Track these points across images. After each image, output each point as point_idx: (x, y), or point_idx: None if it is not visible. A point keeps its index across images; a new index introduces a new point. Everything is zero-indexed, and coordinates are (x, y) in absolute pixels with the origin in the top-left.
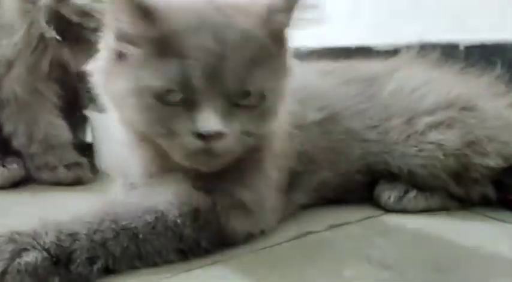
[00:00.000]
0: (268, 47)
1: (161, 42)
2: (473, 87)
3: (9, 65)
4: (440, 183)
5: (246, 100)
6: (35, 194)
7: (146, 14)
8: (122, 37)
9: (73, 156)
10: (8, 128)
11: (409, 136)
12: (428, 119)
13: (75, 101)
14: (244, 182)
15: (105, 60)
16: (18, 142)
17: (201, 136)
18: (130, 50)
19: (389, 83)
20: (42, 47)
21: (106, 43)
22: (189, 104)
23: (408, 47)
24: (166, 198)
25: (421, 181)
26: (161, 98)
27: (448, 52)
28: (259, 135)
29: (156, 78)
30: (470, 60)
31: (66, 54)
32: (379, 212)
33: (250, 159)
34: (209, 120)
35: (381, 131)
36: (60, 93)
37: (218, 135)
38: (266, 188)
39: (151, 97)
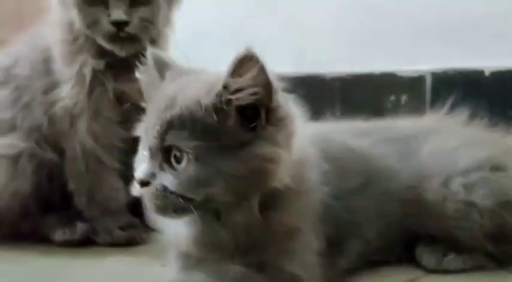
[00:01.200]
0: (197, 117)
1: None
2: (501, 146)
3: (72, 119)
4: (478, 244)
5: (173, 159)
6: (91, 254)
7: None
8: None
9: (127, 217)
10: (71, 185)
11: (445, 197)
12: (462, 181)
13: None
14: (291, 254)
15: None
16: (79, 202)
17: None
18: None
19: (425, 144)
20: (99, 88)
21: None
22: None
23: (432, 74)
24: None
25: (460, 242)
26: None
27: (473, 78)
28: (190, 200)
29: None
30: (496, 86)
31: (123, 86)
32: (420, 273)
33: (287, 230)
34: (141, 168)
35: (418, 192)
36: (126, 139)
37: (143, 183)
38: (311, 256)
39: None
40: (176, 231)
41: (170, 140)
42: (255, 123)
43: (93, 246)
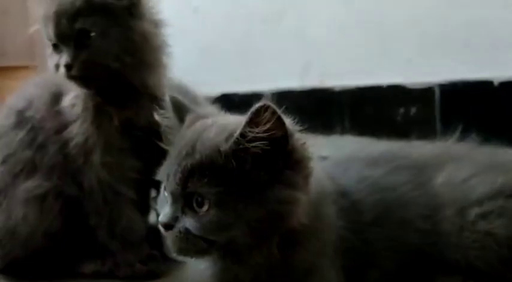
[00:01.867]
0: (217, 163)
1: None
2: None
3: (86, 154)
4: (497, 272)
5: (195, 203)
6: None
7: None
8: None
9: (147, 249)
10: (91, 220)
11: (462, 227)
12: (478, 210)
13: (148, 182)
14: None
15: None
16: (100, 236)
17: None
18: None
19: (439, 173)
20: (106, 121)
21: None
22: None
23: (441, 85)
24: None
25: (478, 272)
26: None
27: (483, 89)
28: (213, 243)
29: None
30: (506, 96)
31: (127, 114)
32: None
33: (307, 268)
34: (164, 212)
35: (434, 222)
36: (139, 169)
37: (166, 226)
38: None
39: None
40: (197, 269)
41: (192, 187)
42: (272, 169)
43: (114, 279)
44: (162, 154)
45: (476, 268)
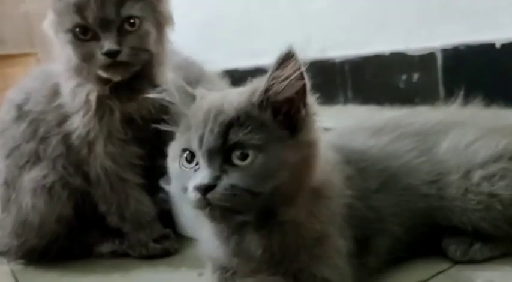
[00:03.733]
0: (251, 112)
1: (188, 118)
2: None
3: (89, 144)
4: (503, 233)
5: (237, 158)
6: (128, 266)
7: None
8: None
9: (160, 229)
10: (101, 208)
11: (466, 190)
12: (482, 172)
13: (153, 167)
14: (322, 260)
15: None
16: (111, 221)
17: (197, 189)
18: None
19: (442, 139)
20: (108, 112)
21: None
22: (196, 164)
23: (443, 50)
24: None
25: (485, 233)
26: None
27: (485, 52)
28: (258, 194)
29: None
30: (508, 58)
31: (128, 106)
32: (448, 264)
33: (317, 236)
34: (201, 175)
35: (439, 186)
36: (142, 156)
37: (208, 188)
38: (341, 259)
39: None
40: (212, 245)
41: (234, 137)
42: (298, 116)
43: (130, 258)
44: (163, 140)
45: (482, 230)
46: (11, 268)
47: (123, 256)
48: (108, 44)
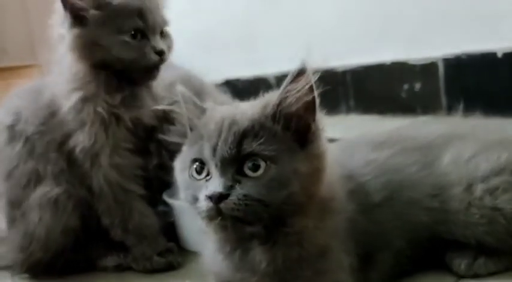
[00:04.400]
0: (265, 123)
1: (199, 129)
2: None
3: (92, 157)
4: (507, 247)
5: (248, 169)
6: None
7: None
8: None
9: (163, 243)
10: (104, 221)
11: (469, 204)
12: (484, 186)
13: (155, 178)
14: (324, 274)
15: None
16: (115, 235)
17: (210, 198)
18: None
19: (444, 152)
20: (115, 122)
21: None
22: (207, 175)
23: (444, 59)
24: None
25: (488, 247)
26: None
27: (486, 61)
28: (270, 204)
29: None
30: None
31: (136, 113)
32: (452, 279)
33: (320, 249)
34: (214, 184)
35: (442, 200)
36: (144, 167)
37: (221, 197)
38: (343, 274)
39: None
40: (215, 259)
41: (248, 147)
42: (308, 129)
43: (134, 272)
44: (166, 151)
45: (486, 244)
46: None
47: (127, 270)
48: (159, 44)
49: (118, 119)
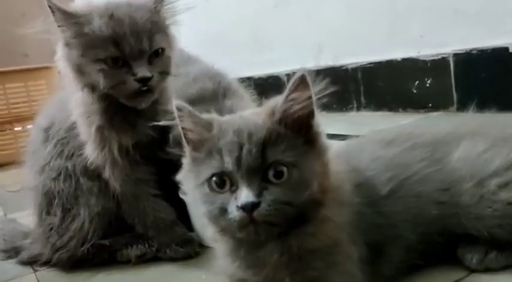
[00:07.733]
0: (279, 131)
1: (211, 143)
2: None
3: (100, 168)
4: None
5: (272, 176)
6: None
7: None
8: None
9: (183, 233)
10: (129, 221)
11: (481, 197)
12: (496, 181)
13: (167, 177)
14: (335, 267)
15: (186, 167)
16: (138, 229)
17: (243, 208)
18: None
19: (454, 149)
20: (108, 140)
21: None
22: (231, 186)
23: (455, 55)
24: None
25: (500, 240)
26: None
27: (498, 56)
28: (297, 205)
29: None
30: None
31: (128, 136)
32: (464, 273)
33: (330, 243)
34: (244, 195)
35: (452, 194)
36: (153, 171)
37: (253, 205)
38: (353, 266)
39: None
40: (228, 261)
41: (272, 157)
42: (311, 130)
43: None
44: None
45: (498, 237)
46: (37, 277)
47: (143, 264)
48: (141, 70)
49: (109, 140)
